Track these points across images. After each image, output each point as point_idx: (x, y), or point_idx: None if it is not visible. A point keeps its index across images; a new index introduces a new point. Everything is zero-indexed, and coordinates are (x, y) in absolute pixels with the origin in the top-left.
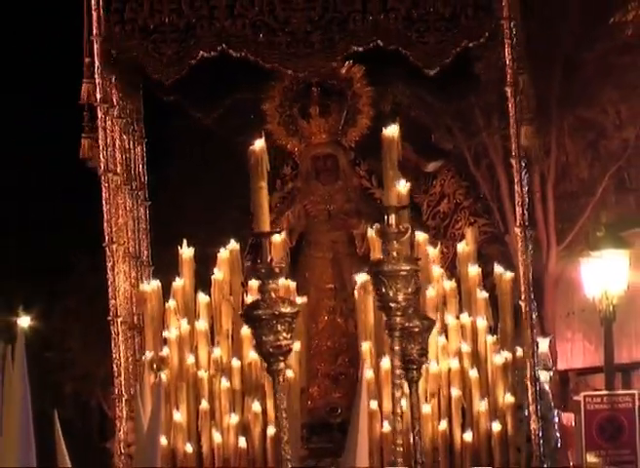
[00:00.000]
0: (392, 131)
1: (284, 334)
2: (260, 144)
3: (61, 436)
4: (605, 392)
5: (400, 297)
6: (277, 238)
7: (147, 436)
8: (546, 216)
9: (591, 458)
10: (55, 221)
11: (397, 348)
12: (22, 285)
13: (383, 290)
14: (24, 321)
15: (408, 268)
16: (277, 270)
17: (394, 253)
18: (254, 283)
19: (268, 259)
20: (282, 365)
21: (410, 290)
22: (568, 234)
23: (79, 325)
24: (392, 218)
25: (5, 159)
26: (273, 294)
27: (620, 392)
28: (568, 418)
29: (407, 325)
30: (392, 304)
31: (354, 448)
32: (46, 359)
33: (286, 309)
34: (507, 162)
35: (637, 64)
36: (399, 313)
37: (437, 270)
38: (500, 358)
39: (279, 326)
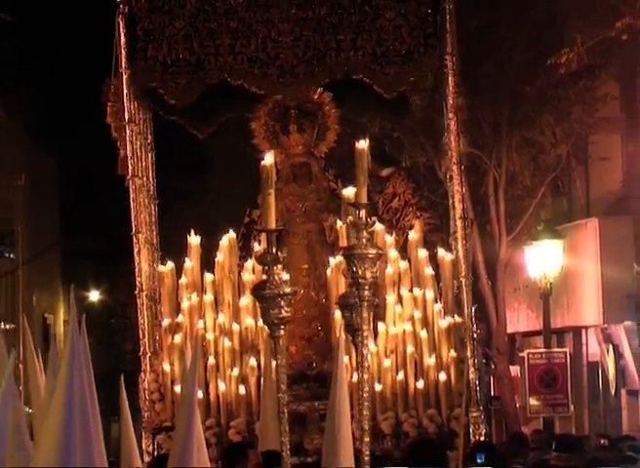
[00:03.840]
0: (363, 144)
1: (285, 309)
2: (269, 160)
3: (131, 427)
4: (543, 350)
5: (368, 275)
6: None
7: (188, 379)
8: (498, 214)
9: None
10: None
11: (365, 316)
12: (93, 266)
13: (354, 269)
14: (94, 295)
15: (374, 252)
16: (280, 258)
17: (363, 240)
18: (248, 264)
19: (273, 250)
20: (282, 332)
21: (375, 269)
22: (515, 228)
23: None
24: (362, 213)
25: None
26: (277, 277)
27: (555, 350)
28: (515, 370)
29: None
30: (362, 280)
31: (335, 448)
32: (111, 324)
33: (287, 289)
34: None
35: (568, 96)
36: (367, 287)
37: (393, 253)
38: (445, 322)
39: (282, 302)
